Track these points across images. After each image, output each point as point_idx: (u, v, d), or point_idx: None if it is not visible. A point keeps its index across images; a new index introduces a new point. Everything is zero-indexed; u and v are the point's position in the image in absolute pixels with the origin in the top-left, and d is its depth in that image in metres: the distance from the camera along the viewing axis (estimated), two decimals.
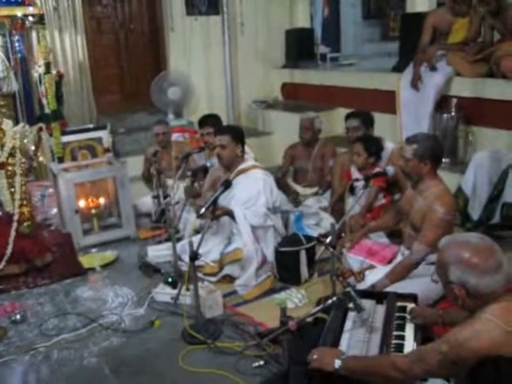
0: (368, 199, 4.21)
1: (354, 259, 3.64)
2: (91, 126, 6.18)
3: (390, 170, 3.52)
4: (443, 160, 4.83)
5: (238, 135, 4.12)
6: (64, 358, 3.13)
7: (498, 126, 4.80)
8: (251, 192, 3.99)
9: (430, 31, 5.35)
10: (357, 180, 3.92)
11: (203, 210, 3.36)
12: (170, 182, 4.90)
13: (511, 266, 1.99)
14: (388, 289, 3.08)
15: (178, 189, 4.46)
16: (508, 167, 4.09)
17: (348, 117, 4.67)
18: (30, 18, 5.35)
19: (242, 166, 4.12)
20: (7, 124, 4.22)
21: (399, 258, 3.44)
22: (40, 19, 5.42)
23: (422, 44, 5.33)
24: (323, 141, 5.26)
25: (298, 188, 5.17)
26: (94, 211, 4.87)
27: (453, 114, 5.02)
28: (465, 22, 5.23)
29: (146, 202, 5.24)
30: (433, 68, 5.10)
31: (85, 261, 4.35)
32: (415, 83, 5.15)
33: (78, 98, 6.43)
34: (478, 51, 5.13)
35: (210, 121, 5.04)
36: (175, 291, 3.57)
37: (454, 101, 5.04)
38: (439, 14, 5.42)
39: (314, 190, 5.11)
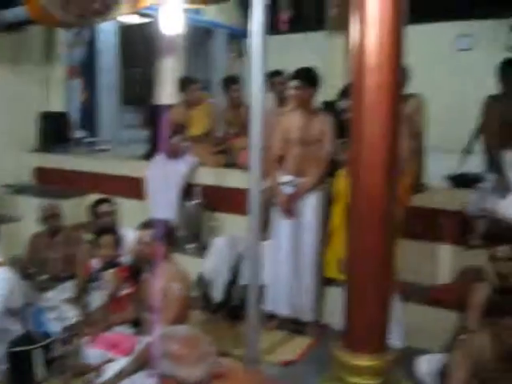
0: (111, 290, 4.14)
1: (94, 353, 3.52)
2: None
3: (127, 258, 3.57)
4: (188, 246, 5.18)
5: None
6: None
7: (237, 212, 5.17)
8: None
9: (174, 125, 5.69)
10: (97, 271, 3.86)
11: None
12: None
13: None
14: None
15: None
16: (242, 251, 4.42)
17: (99, 202, 4.69)
18: None
19: None
20: None
21: (139, 346, 3.43)
22: None
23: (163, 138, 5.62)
24: (68, 228, 5.14)
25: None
26: None
27: (198, 200, 5.33)
28: (199, 115, 5.68)
29: None
30: (177, 157, 5.39)
31: None
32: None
33: None
34: (217, 143, 5.60)
35: None
36: None
37: (199, 189, 5.37)
38: (177, 109, 5.81)
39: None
